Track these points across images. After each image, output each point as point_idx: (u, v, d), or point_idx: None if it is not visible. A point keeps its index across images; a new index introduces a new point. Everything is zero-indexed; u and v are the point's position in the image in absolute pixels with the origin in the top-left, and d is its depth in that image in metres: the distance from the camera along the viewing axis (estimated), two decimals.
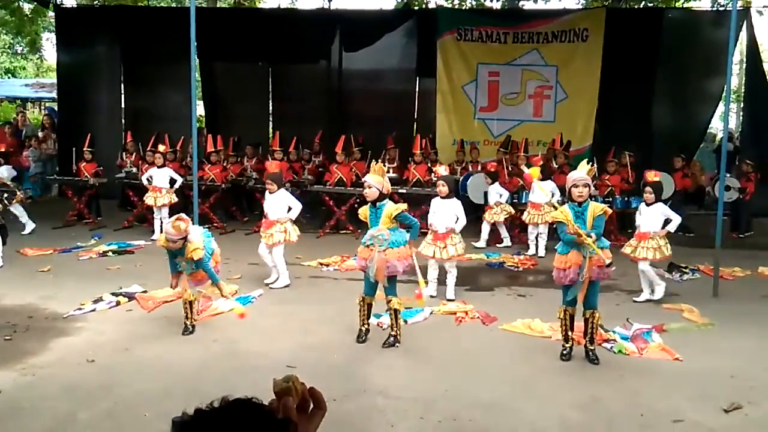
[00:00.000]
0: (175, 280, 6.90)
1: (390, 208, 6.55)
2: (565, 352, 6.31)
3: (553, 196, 10.93)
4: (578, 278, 6.03)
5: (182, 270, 6.76)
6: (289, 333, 6.94)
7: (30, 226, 11.69)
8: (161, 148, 12.26)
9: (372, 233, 6.50)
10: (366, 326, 6.74)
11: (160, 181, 11.68)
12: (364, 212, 6.79)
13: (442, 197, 8.29)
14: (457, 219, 8.21)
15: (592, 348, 6.25)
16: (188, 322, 6.89)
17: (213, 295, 8.06)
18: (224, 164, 13.17)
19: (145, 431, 4.60)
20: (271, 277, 8.86)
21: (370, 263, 6.42)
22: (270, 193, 8.81)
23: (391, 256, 6.43)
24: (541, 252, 10.85)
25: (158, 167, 11.81)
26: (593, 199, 7.44)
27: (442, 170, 8.68)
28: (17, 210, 11.47)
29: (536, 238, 11.10)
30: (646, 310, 7.86)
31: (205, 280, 6.85)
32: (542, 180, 11.05)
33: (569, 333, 6.32)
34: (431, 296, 8.20)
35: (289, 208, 8.77)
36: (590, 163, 6.73)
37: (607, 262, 6.02)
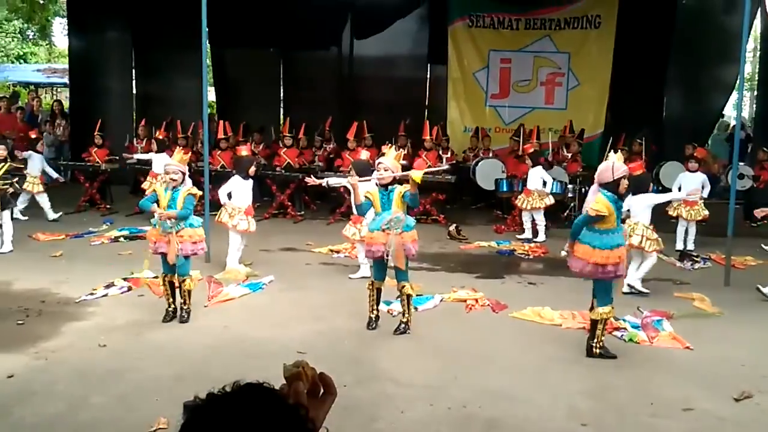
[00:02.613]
0: (164, 243, 6.66)
1: (400, 188, 6.47)
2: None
3: (545, 184, 10.89)
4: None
5: (170, 230, 6.58)
6: (299, 319, 6.95)
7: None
8: (158, 134, 12.31)
9: (389, 217, 6.40)
10: (375, 313, 6.73)
11: (158, 166, 11.63)
12: (372, 195, 6.52)
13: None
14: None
15: (592, 343, 6.05)
16: (183, 307, 6.80)
17: (224, 281, 8.11)
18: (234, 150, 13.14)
19: (156, 415, 4.63)
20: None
21: (389, 248, 6.37)
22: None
23: (406, 238, 6.44)
24: (541, 237, 10.82)
25: (156, 152, 11.82)
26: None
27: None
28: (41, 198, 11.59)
29: (532, 224, 11.05)
30: (657, 298, 7.82)
31: (189, 243, 6.69)
32: (532, 167, 11.01)
33: None
34: None
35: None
36: (612, 152, 6.65)
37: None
